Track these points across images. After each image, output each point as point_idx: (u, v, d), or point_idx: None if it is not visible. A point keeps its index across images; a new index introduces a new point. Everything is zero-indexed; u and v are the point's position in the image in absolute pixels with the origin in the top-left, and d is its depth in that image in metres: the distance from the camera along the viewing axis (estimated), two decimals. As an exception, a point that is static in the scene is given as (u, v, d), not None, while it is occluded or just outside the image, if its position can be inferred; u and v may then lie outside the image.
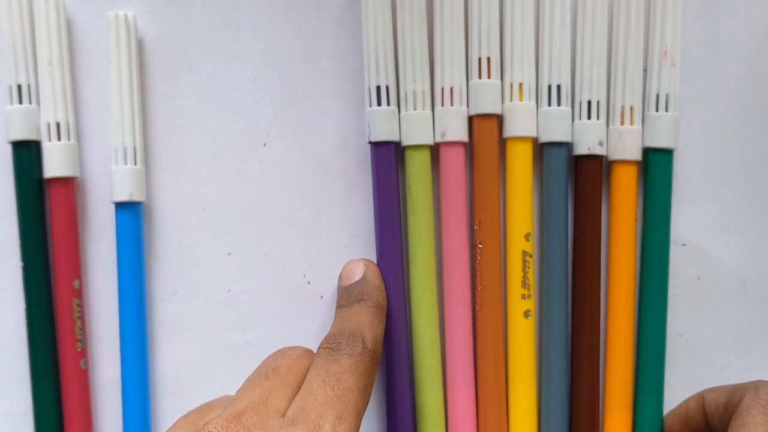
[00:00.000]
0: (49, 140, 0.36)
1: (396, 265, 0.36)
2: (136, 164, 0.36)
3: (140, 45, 0.37)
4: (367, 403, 0.30)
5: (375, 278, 0.35)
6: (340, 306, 0.34)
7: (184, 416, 0.30)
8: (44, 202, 0.36)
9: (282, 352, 0.32)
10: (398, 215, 0.36)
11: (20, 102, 0.36)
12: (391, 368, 0.36)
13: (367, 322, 0.33)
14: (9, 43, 0.35)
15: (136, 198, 0.36)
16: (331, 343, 0.31)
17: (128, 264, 0.36)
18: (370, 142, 0.36)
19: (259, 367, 0.32)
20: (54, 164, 0.36)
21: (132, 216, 0.36)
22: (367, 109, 0.36)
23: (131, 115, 0.36)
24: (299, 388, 0.30)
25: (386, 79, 0.35)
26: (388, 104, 0.35)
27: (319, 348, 0.31)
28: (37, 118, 0.36)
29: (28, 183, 0.36)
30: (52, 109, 0.36)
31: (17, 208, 0.36)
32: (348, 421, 0.28)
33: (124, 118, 0.36)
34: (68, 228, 0.36)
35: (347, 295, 0.35)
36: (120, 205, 0.36)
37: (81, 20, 0.37)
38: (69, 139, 0.36)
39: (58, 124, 0.36)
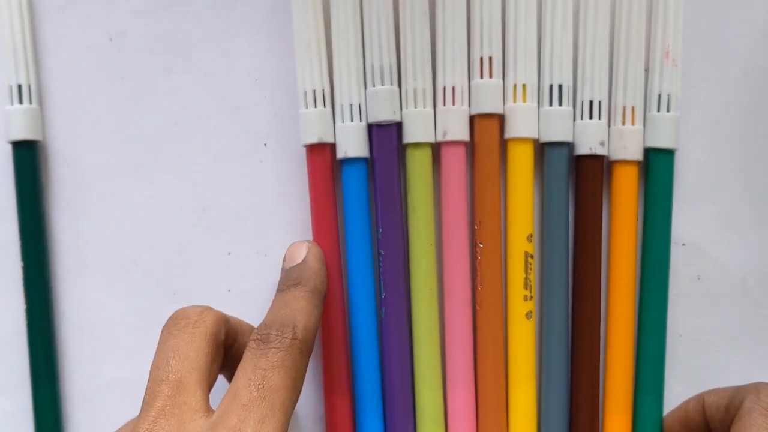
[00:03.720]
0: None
1: (397, 263, 0.36)
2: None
3: (143, 42, 0.37)
4: (297, 399, 0.30)
5: (315, 262, 0.34)
6: (278, 290, 0.33)
7: None
8: (44, 201, 0.36)
9: (176, 324, 0.31)
10: (400, 212, 0.36)
11: (20, 102, 0.36)
12: (390, 366, 0.36)
13: (300, 309, 0.31)
14: (9, 43, 0.35)
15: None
16: (261, 334, 0.30)
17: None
18: (369, 124, 0.35)
19: (158, 351, 0.30)
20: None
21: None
22: (370, 88, 0.35)
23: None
24: (211, 366, 0.29)
25: (389, 58, 0.35)
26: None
27: (250, 339, 0.30)
28: (37, 118, 0.36)
29: (29, 183, 0.36)
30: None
31: (17, 208, 0.36)
32: (272, 422, 0.28)
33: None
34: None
35: (286, 279, 0.33)
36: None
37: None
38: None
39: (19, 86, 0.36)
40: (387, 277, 0.36)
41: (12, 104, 0.36)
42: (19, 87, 0.35)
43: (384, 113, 0.35)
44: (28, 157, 0.36)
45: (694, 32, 0.37)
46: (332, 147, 0.36)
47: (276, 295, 0.33)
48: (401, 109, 0.35)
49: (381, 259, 0.36)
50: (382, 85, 0.35)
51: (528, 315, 0.36)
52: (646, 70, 0.36)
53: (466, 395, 0.36)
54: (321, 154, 0.36)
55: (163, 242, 0.37)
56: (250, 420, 0.27)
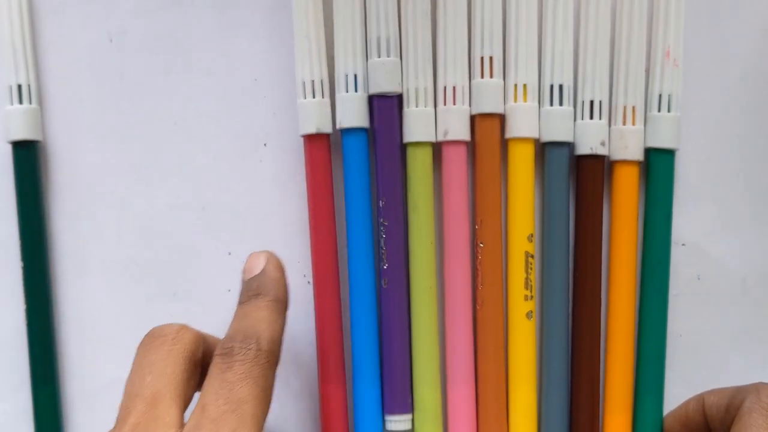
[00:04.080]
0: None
1: (399, 234, 0.36)
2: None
3: (143, 42, 0.37)
4: (268, 409, 0.29)
5: (275, 271, 0.33)
6: (239, 302, 0.33)
7: None
8: (44, 201, 0.36)
9: (152, 342, 0.30)
10: (401, 183, 0.36)
11: (20, 102, 0.35)
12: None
13: (263, 319, 0.31)
14: (9, 43, 0.35)
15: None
16: (225, 348, 0.30)
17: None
18: (371, 95, 0.36)
19: (134, 367, 0.30)
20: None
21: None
22: (372, 59, 0.35)
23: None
24: (186, 382, 0.29)
25: (390, 30, 0.35)
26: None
27: (215, 354, 0.30)
28: (37, 118, 0.36)
29: (29, 183, 0.36)
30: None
31: (17, 208, 0.36)
32: None
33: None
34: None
35: (246, 290, 0.33)
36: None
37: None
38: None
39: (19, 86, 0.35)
40: (390, 247, 0.36)
41: (12, 104, 0.35)
42: (19, 87, 0.35)
43: (386, 84, 0.35)
44: (28, 157, 0.36)
45: (695, 32, 0.37)
46: (330, 137, 0.36)
47: (237, 308, 0.32)
48: (402, 84, 0.35)
49: (383, 229, 0.36)
50: (385, 56, 0.35)
51: (528, 315, 0.36)
52: (647, 70, 0.36)
53: (467, 395, 0.36)
54: (319, 144, 0.36)
55: (163, 242, 0.37)
56: None
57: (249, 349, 0.29)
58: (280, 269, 0.33)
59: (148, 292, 0.37)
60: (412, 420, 0.36)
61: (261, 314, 0.31)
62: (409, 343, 0.36)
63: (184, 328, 0.31)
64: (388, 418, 0.36)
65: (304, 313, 0.37)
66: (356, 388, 0.36)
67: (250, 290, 0.33)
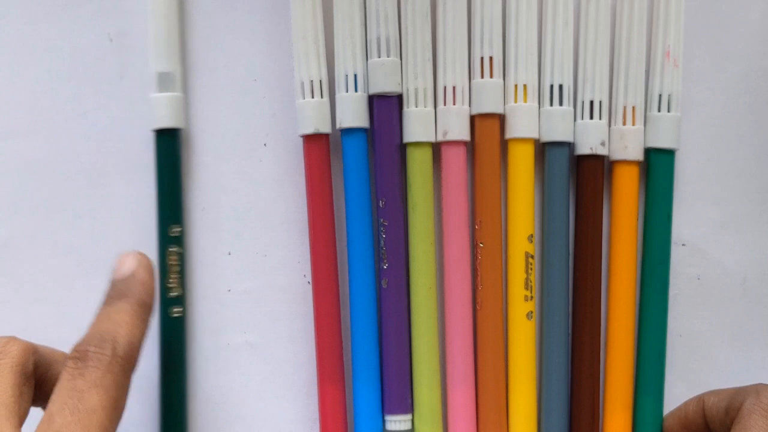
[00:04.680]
0: None
1: (399, 233, 0.36)
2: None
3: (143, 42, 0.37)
4: (119, 419, 0.28)
5: (143, 273, 0.32)
6: (103, 303, 0.31)
7: None
8: (183, 188, 0.36)
9: None
10: (401, 183, 0.36)
11: (167, 90, 0.36)
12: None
13: (124, 323, 0.30)
14: (157, 31, 0.35)
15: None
16: (79, 352, 0.28)
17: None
18: (370, 95, 0.35)
19: None
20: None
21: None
22: (372, 59, 0.35)
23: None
24: (18, 404, 0.28)
25: (390, 30, 0.35)
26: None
27: (67, 357, 0.28)
28: (180, 106, 0.36)
29: (170, 170, 0.36)
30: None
31: (156, 194, 0.36)
32: None
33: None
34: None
35: (111, 291, 0.31)
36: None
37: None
38: None
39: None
40: (390, 247, 0.36)
41: (158, 92, 0.36)
42: (167, 75, 0.35)
43: (386, 84, 0.35)
44: (171, 145, 0.36)
45: (695, 32, 0.37)
46: (329, 138, 0.36)
47: (99, 309, 0.31)
48: (402, 84, 0.35)
49: (383, 229, 0.36)
50: (385, 56, 0.35)
51: (528, 315, 0.36)
52: (647, 71, 0.36)
53: (467, 395, 0.36)
54: (318, 144, 0.36)
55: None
56: None
57: (104, 354, 0.28)
58: (150, 272, 0.32)
59: (148, 292, 0.37)
60: (412, 420, 0.36)
61: (121, 317, 0.30)
62: (408, 343, 0.36)
63: (11, 340, 0.29)
64: (388, 418, 0.36)
65: (304, 313, 0.37)
66: (356, 388, 0.36)
67: (114, 291, 0.31)
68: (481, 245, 0.36)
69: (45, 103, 0.37)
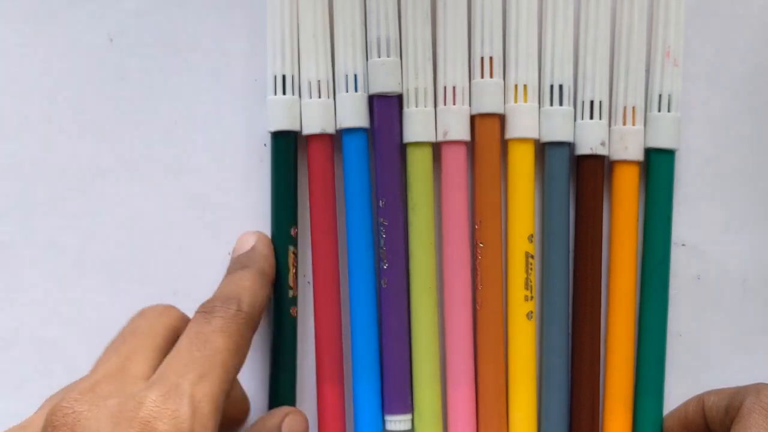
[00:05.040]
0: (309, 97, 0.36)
1: (398, 233, 0.36)
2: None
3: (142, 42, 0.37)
4: (240, 365, 0.30)
5: (264, 248, 0.35)
6: (227, 273, 0.34)
7: (51, 396, 0.30)
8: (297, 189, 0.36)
9: (142, 312, 0.32)
10: (401, 183, 0.36)
11: (284, 92, 0.36)
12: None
13: (246, 287, 0.32)
14: (277, 34, 0.35)
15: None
16: (206, 307, 0.30)
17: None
18: (371, 95, 0.36)
19: (120, 330, 0.31)
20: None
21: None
22: (372, 59, 0.35)
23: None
24: (163, 348, 0.30)
25: (390, 30, 0.35)
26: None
27: (195, 312, 0.31)
28: (296, 109, 0.36)
29: (285, 172, 0.36)
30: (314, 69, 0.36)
31: (272, 197, 0.36)
32: (210, 379, 0.28)
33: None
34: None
35: (234, 263, 0.34)
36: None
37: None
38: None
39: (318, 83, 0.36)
40: (390, 247, 0.36)
41: (275, 94, 0.35)
42: (284, 77, 0.35)
43: (386, 84, 0.35)
44: (286, 147, 0.36)
45: (695, 32, 0.37)
46: (332, 138, 0.36)
47: (223, 278, 0.33)
48: (402, 84, 0.35)
49: (383, 229, 0.36)
50: (385, 56, 0.35)
51: (528, 315, 0.36)
52: (647, 70, 0.36)
53: (467, 395, 0.36)
54: (321, 144, 0.36)
55: (163, 242, 0.37)
56: (189, 375, 0.27)
57: (229, 308, 0.30)
58: (269, 247, 0.35)
59: (148, 292, 0.37)
60: (412, 420, 0.36)
61: (244, 283, 0.32)
62: (409, 343, 0.36)
63: (172, 307, 0.32)
64: (388, 418, 0.36)
65: (304, 313, 0.37)
66: (356, 388, 0.36)
67: (238, 263, 0.34)
68: (481, 245, 0.36)
69: (45, 103, 0.37)
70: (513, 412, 0.36)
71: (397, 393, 0.36)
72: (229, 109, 0.37)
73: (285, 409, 0.34)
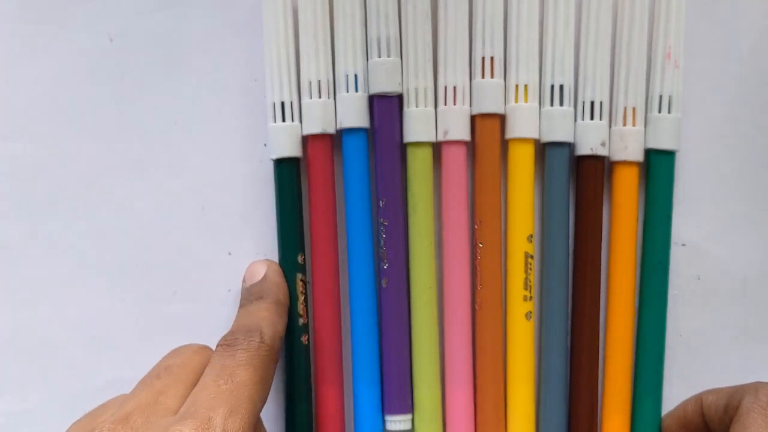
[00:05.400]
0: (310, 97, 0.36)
1: (399, 233, 0.36)
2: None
3: (142, 41, 0.37)
4: (266, 398, 0.30)
5: (276, 276, 0.35)
6: (241, 306, 0.34)
7: (78, 420, 0.30)
8: (303, 216, 0.36)
9: (176, 351, 0.32)
10: (401, 183, 0.36)
11: (283, 119, 0.36)
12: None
13: (265, 318, 0.32)
14: (275, 61, 0.35)
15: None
16: (228, 340, 0.31)
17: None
18: (371, 95, 0.36)
19: (153, 367, 0.31)
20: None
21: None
22: (372, 59, 0.35)
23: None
24: (194, 386, 0.30)
25: (391, 30, 0.35)
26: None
27: (217, 346, 0.31)
28: (298, 135, 0.36)
29: (290, 200, 0.36)
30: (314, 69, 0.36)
31: (277, 225, 0.36)
32: (240, 414, 0.28)
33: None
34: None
35: (248, 294, 0.35)
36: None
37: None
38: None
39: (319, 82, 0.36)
40: (390, 247, 0.36)
41: (275, 122, 0.35)
42: (282, 104, 0.35)
43: (386, 84, 0.35)
44: (290, 174, 0.36)
45: (696, 33, 0.37)
46: (332, 138, 0.36)
47: (239, 310, 0.34)
48: (402, 84, 0.35)
49: (383, 229, 0.36)
50: (386, 56, 0.35)
51: (527, 315, 0.36)
52: (648, 72, 0.36)
53: (465, 395, 0.36)
54: (321, 144, 0.36)
55: (163, 242, 0.37)
56: (219, 410, 0.27)
57: (252, 341, 0.30)
58: (281, 275, 0.35)
59: (148, 292, 0.37)
60: (412, 420, 0.36)
61: (262, 314, 0.33)
62: (409, 343, 0.36)
63: (206, 347, 0.32)
64: (388, 418, 0.36)
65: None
66: (356, 388, 0.36)
67: (252, 294, 0.34)
68: (480, 245, 0.36)
69: (45, 103, 0.37)
70: (512, 412, 0.36)
71: (397, 393, 0.36)
72: (229, 109, 0.37)
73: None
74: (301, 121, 0.36)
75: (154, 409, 0.28)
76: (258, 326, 0.31)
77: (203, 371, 0.30)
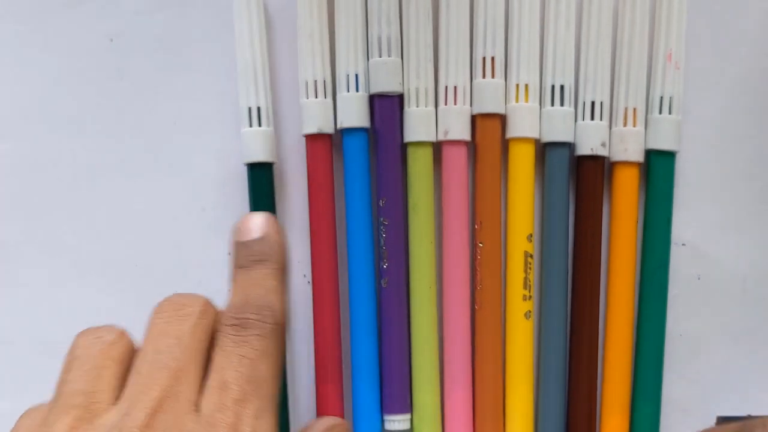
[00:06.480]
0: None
1: (399, 233, 0.36)
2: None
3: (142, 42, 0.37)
4: (279, 391, 0.27)
5: (278, 235, 0.29)
6: (239, 266, 0.29)
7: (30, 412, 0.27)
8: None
9: (178, 306, 0.27)
10: (401, 182, 0.36)
11: (260, 124, 0.36)
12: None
13: (274, 289, 0.28)
14: (249, 66, 0.35)
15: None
16: (238, 318, 0.26)
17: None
18: (371, 95, 0.35)
19: (150, 337, 0.27)
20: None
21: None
22: (373, 59, 0.35)
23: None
24: (204, 359, 0.26)
25: (391, 29, 0.35)
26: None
27: (224, 324, 0.27)
28: (272, 140, 0.36)
29: (264, 204, 0.36)
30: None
31: None
32: (267, 416, 0.25)
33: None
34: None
35: (247, 254, 0.29)
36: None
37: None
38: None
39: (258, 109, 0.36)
40: (390, 247, 0.36)
41: (250, 126, 0.35)
42: (258, 109, 0.35)
43: (387, 84, 0.35)
44: (264, 178, 0.36)
45: (697, 35, 0.37)
46: (331, 138, 0.36)
47: (237, 271, 0.29)
48: (403, 84, 0.35)
49: (383, 229, 0.36)
50: (386, 56, 0.35)
51: (527, 315, 0.36)
52: (648, 72, 0.36)
53: (464, 395, 0.36)
54: (320, 144, 0.36)
55: (163, 242, 0.37)
56: (246, 416, 0.25)
57: (266, 323, 0.27)
58: (282, 233, 0.30)
59: (148, 292, 0.37)
60: (411, 420, 0.37)
61: (270, 283, 0.28)
62: (408, 343, 0.36)
63: (209, 303, 0.28)
64: (387, 417, 0.36)
65: (304, 313, 0.37)
66: (355, 387, 0.36)
67: (252, 254, 0.29)
68: (480, 245, 0.36)
69: (45, 103, 0.37)
70: (510, 412, 0.36)
71: (396, 393, 0.36)
72: (229, 109, 0.37)
73: (327, 420, 0.30)
74: (274, 126, 0.36)
75: (176, 403, 0.25)
76: (268, 302, 0.27)
77: (210, 333, 0.27)
